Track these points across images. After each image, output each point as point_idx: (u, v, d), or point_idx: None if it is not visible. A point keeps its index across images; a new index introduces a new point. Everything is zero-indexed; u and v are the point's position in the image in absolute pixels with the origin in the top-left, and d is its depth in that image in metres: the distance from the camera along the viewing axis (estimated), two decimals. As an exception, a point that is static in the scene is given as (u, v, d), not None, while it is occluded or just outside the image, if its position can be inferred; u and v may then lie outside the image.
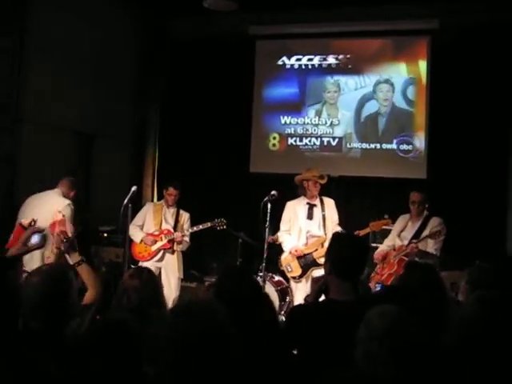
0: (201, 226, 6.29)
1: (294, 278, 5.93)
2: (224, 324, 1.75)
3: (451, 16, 7.29)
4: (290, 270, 5.94)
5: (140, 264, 6.08)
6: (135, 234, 6.23)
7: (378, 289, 4.69)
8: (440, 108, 7.42)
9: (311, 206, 5.93)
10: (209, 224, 6.26)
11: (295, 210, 5.98)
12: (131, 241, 6.16)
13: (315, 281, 3.27)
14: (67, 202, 5.48)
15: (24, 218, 4.73)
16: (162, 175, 8.60)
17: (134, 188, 5.33)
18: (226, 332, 1.75)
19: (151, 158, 8.68)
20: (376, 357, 1.92)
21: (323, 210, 5.93)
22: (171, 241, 6.25)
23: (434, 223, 5.51)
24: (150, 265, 5.97)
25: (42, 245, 3.42)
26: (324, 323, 2.61)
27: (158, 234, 6.27)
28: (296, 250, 5.83)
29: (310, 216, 5.92)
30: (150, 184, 8.63)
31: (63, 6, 6.69)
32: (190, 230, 6.32)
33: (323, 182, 5.91)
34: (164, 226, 6.33)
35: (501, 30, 7.11)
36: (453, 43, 7.36)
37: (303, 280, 5.82)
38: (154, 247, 6.24)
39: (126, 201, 5.18)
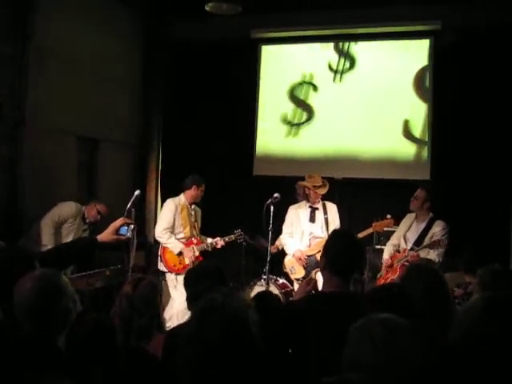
0: (227, 239, 6.12)
1: (297, 279, 5.94)
2: (249, 326, 1.77)
3: (453, 17, 7.28)
4: (293, 271, 5.96)
5: (172, 275, 5.87)
6: (173, 242, 5.87)
7: None
8: (443, 109, 7.40)
9: (313, 210, 5.97)
10: (232, 237, 6.12)
11: (298, 213, 6.02)
12: (158, 248, 5.94)
13: (307, 282, 3.30)
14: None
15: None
16: (165, 179, 8.61)
17: (137, 192, 5.30)
18: (251, 334, 1.76)
19: (155, 162, 8.67)
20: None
21: (325, 213, 5.96)
22: (203, 252, 5.97)
23: (437, 228, 5.48)
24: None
25: (129, 237, 3.44)
26: (314, 313, 2.65)
27: (188, 242, 5.98)
28: (300, 259, 5.85)
29: (312, 219, 5.96)
30: (154, 188, 8.63)
31: (65, 11, 6.70)
32: (218, 246, 6.09)
33: (323, 192, 5.94)
34: (192, 232, 6.05)
35: (503, 32, 7.08)
36: (455, 44, 7.33)
37: (306, 282, 5.82)
38: (188, 261, 5.88)
39: (129, 205, 5.16)
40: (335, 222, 6.01)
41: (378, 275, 5.76)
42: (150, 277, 4.18)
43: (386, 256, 5.77)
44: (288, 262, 6.02)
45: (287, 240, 6.07)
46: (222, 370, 1.70)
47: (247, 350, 1.74)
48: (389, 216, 5.92)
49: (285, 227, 6.10)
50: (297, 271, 5.93)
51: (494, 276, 3.41)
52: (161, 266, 6.00)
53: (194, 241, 6.02)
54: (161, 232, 5.88)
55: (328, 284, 2.82)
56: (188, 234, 6.03)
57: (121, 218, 3.37)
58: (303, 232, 5.97)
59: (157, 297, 3.22)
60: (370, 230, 5.87)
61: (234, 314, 1.77)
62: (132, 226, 3.38)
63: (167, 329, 4.95)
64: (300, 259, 5.88)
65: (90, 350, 2.02)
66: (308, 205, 6.00)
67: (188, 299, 3.09)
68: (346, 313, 2.17)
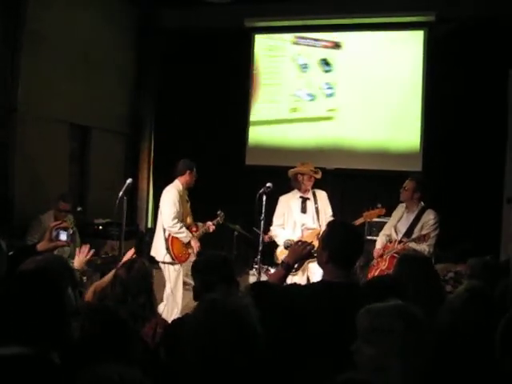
0: (214, 222, 6.10)
1: (289, 270, 5.91)
2: (253, 323, 1.79)
3: (448, 9, 7.27)
4: (285, 262, 5.94)
5: (177, 266, 5.79)
6: (184, 232, 5.77)
7: None
8: (436, 100, 7.42)
9: (304, 200, 5.94)
10: (218, 219, 6.11)
11: (289, 204, 5.98)
12: (168, 238, 5.76)
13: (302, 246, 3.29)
14: None
15: None
16: (157, 167, 8.59)
17: (129, 180, 5.29)
18: (254, 332, 1.78)
19: (147, 151, 8.66)
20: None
21: (316, 202, 5.94)
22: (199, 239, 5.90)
23: (427, 217, 5.47)
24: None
25: (68, 243, 3.44)
26: (320, 302, 2.64)
27: (191, 231, 5.90)
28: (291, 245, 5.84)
29: (303, 209, 5.92)
30: (146, 176, 8.62)
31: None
32: (210, 230, 6.06)
33: (318, 176, 5.92)
34: (189, 220, 5.97)
35: (497, 23, 7.09)
36: (449, 36, 7.34)
37: (299, 273, 5.82)
38: (194, 250, 5.82)
39: (121, 193, 5.15)
40: (326, 211, 5.98)
41: (370, 264, 5.76)
42: (143, 259, 4.17)
43: (378, 246, 5.77)
44: (280, 252, 6.00)
45: (278, 231, 6.04)
46: (231, 362, 1.74)
47: (251, 343, 1.78)
48: (379, 205, 5.90)
49: (275, 218, 6.06)
50: (289, 262, 5.92)
51: (483, 267, 3.44)
52: (166, 258, 5.81)
53: (194, 228, 5.97)
54: (172, 222, 5.72)
55: (331, 275, 2.81)
56: (189, 222, 5.97)
57: (53, 223, 3.39)
58: (295, 223, 5.95)
59: (150, 279, 3.22)
60: (361, 220, 5.85)
61: (237, 310, 1.80)
62: (71, 231, 3.39)
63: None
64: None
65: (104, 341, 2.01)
66: (299, 195, 5.97)
67: (195, 288, 3.06)
68: (351, 302, 2.17)
